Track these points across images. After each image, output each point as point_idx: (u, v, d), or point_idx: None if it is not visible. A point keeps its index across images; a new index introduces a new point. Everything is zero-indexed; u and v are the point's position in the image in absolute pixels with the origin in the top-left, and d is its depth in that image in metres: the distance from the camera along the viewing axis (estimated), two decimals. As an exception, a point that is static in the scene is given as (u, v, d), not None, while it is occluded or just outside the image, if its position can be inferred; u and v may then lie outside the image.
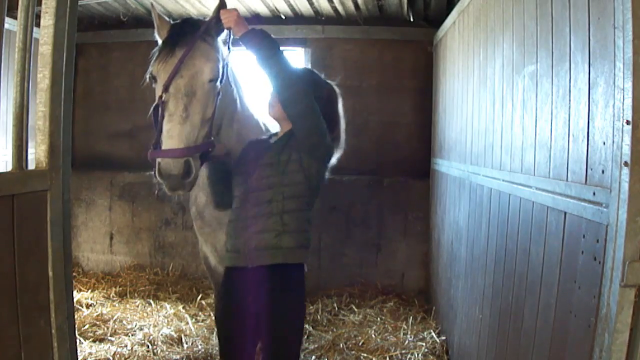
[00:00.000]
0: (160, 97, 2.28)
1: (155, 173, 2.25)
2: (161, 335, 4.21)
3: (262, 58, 2.32)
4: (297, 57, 5.99)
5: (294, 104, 2.33)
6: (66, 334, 1.92)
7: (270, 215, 2.37)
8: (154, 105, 2.33)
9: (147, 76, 2.42)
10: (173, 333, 4.26)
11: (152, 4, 2.53)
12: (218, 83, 2.43)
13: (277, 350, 2.44)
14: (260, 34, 2.35)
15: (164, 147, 2.23)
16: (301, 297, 2.49)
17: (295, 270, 2.43)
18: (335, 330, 4.51)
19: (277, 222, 2.35)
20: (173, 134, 2.22)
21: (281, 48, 2.35)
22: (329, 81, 2.75)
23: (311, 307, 5.03)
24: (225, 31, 2.49)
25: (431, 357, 3.97)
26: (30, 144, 1.86)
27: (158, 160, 2.22)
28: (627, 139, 1.50)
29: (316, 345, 4.15)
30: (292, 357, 2.48)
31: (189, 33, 2.38)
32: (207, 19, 2.50)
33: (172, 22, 2.54)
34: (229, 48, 2.54)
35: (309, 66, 5.81)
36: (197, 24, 2.45)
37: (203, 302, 5.05)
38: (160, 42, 2.49)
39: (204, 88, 2.34)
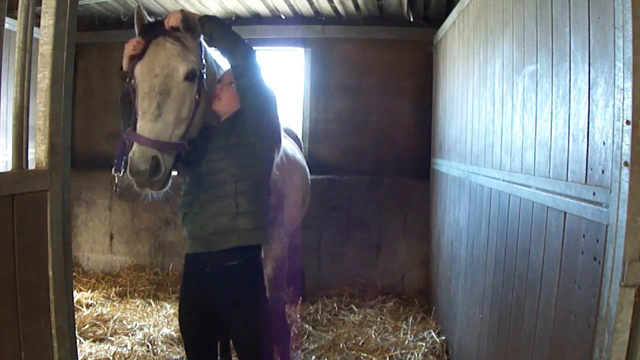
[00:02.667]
0: (130, 82, 2.33)
1: (127, 170, 2.29)
2: (161, 335, 4.21)
3: (226, 42, 2.45)
4: (297, 57, 6.00)
5: (251, 79, 2.43)
6: (66, 334, 1.92)
7: (224, 198, 2.39)
8: (122, 90, 2.38)
9: (129, 79, 2.40)
10: (173, 333, 4.25)
11: (138, 6, 2.54)
12: (195, 85, 2.44)
13: (238, 344, 2.50)
14: (217, 20, 2.50)
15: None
16: (255, 284, 2.48)
17: (252, 253, 2.45)
18: (335, 330, 4.51)
19: (231, 205, 2.37)
20: (144, 130, 2.26)
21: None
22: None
23: (311, 307, 5.04)
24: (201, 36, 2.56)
25: (431, 357, 3.97)
26: (30, 144, 1.86)
27: (129, 155, 2.27)
28: (627, 139, 1.50)
29: (316, 345, 4.15)
30: (258, 341, 2.48)
31: (165, 32, 2.41)
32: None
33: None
34: (202, 50, 2.57)
35: (309, 67, 5.82)
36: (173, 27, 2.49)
37: (203, 302, 5.04)
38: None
39: (179, 87, 2.36)
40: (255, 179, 2.45)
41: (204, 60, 2.54)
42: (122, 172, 2.36)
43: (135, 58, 2.37)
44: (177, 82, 2.36)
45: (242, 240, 2.39)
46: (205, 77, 2.52)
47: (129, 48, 2.39)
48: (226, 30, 2.46)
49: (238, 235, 2.38)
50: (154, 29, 2.44)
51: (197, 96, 2.44)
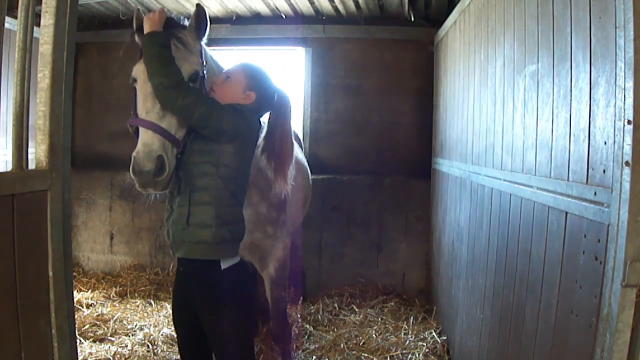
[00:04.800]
0: (134, 78, 2.35)
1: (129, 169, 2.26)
2: (161, 335, 4.21)
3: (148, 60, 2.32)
4: (297, 57, 5.99)
5: (174, 104, 2.28)
6: (66, 334, 1.92)
7: (180, 207, 2.36)
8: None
9: (130, 79, 2.43)
10: (173, 333, 4.24)
11: (137, 10, 2.55)
12: (197, 86, 2.44)
13: (213, 344, 2.47)
14: (151, 38, 2.33)
15: (140, 138, 2.27)
16: (218, 292, 2.36)
17: (205, 267, 2.35)
18: (335, 330, 4.51)
19: (183, 215, 2.33)
20: (151, 117, 2.27)
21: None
22: (279, 88, 2.66)
23: (312, 307, 5.03)
24: (204, 38, 2.57)
25: (432, 357, 3.97)
26: (30, 144, 1.86)
27: (133, 154, 2.24)
28: (629, 139, 1.50)
29: (317, 345, 4.15)
30: (221, 352, 2.45)
31: (168, 34, 2.40)
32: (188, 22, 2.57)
33: None
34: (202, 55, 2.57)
35: (310, 66, 5.81)
36: (177, 25, 2.50)
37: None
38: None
39: None
40: (210, 191, 2.31)
41: (204, 62, 2.54)
42: None
43: (135, 60, 2.38)
44: None
45: (188, 252, 2.34)
46: (205, 78, 2.53)
47: (155, 16, 2.35)
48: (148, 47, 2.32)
49: (187, 247, 2.34)
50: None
51: None
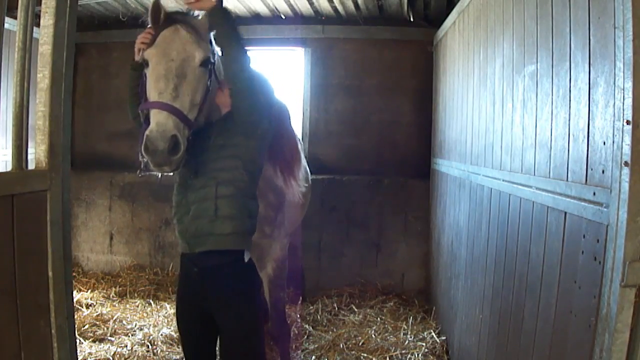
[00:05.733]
0: (146, 61, 2.36)
1: (141, 149, 2.24)
2: (161, 335, 4.21)
3: (226, 36, 2.40)
4: (297, 57, 6.00)
5: (239, 80, 2.37)
6: (66, 334, 1.92)
7: (205, 200, 2.36)
8: (140, 80, 2.44)
9: (141, 61, 2.43)
10: (173, 333, 4.25)
11: (156, 0, 2.55)
12: (207, 72, 2.46)
13: (227, 343, 2.43)
14: (226, 12, 2.44)
15: (153, 118, 2.25)
16: (243, 286, 2.42)
17: (233, 258, 2.39)
18: (335, 330, 4.51)
19: (210, 208, 2.34)
20: (164, 98, 2.27)
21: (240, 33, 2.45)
22: (278, 99, 2.75)
23: (311, 307, 5.04)
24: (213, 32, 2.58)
25: (431, 357, 3.97)
26: (30, 144, 1.86)
27: (146, 133, 2.23)
28: (628, 139, 1.50)
29: (316, 345, 4.15)
30: (242, 352, 2.42)
31: (180, 21, 2.44)
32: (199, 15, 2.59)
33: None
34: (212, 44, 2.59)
35: (309, 67, 5.82)
36: (188, 15, 2.53)
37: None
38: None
39: (194, 72, 2.39)
40: (237, 183, 2.39)
41: (214, 51, 2.56)
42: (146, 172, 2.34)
43: (146, 46, 2.38)
44: (194, 67, 2.38)
45: (218, 244, 2.35)
46: (215, 65, 2.55)
47: (140, 40, 2.43)
48: (230, 30, 2.42)
49: (215, 239, 2.35)
50: (167, 20, 2.46)
51: (208, 83, 2.47)
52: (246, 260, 2.41)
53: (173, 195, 2.54)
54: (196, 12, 2.59)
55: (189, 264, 2.44)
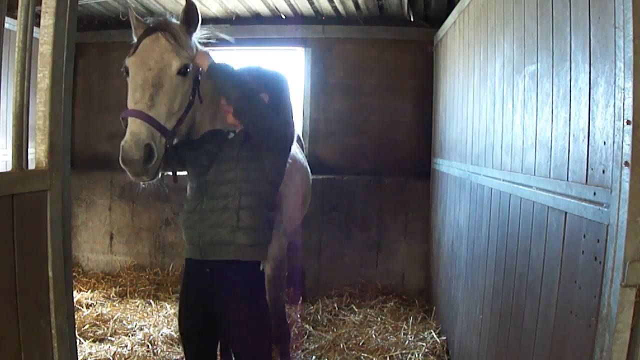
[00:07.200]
0: (126, 69, 2.41)
1: (119, 160, 2.29)
2: (161, 335, 4.21)
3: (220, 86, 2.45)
4: (297, 57, 6.00)
5: (245, 114, 2.40)
6: (66, 334, 1.92)
7: (226, 210, 2.37)
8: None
9: (122, 70, 2.49)
10: (173, 333, 4.25)
11: (129, 7, 2.61)
12: (188, 81, 2.49)
13: (237, 349, 2.46)
14: (218, 67, 2.48)
15: (129, 125, 2.29)
16: (256, 295, 2.47)
17: (249, 268, 2.42)
18: (335, 330, 4.51)
19: (232, 218, 2.35)
20: (139, 106, 2.31)
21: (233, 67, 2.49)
22: (275, 70, 2.74)
23: (311, 307, 5.04)
24: (196, 32, 2.65)
25: (431, 357, 3.97)
26: (30, 144, 1.86)
27: (121, 144, 2.27)
28: (628, 139, 1.50)
29: (316, 345, 4.15)
30: (256, 339, 2.45)
31: (159, 30, 2.47)
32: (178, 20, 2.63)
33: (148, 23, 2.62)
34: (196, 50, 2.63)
35: (309, 66, 5.82)
36: (169, 25, 2.55)
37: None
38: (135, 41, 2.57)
39: (172, 81, 2.41)
40: (260, 195, 2.42)
41: (195, 55, 2.59)
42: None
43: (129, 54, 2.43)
44: (170, 76, 2.41)
45: (238, 254, 2.37)
46: (200, 78, 2.55)
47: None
48: (233, 82, 2.42)
49: (235, 249, 2.36)
50: (150, 28, 2.51)
51: (191, 97, 2.51)
52: (261, 269, 2.46)
53: (185, 201, 2.54)
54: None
55: (198, 266, 2.44)
